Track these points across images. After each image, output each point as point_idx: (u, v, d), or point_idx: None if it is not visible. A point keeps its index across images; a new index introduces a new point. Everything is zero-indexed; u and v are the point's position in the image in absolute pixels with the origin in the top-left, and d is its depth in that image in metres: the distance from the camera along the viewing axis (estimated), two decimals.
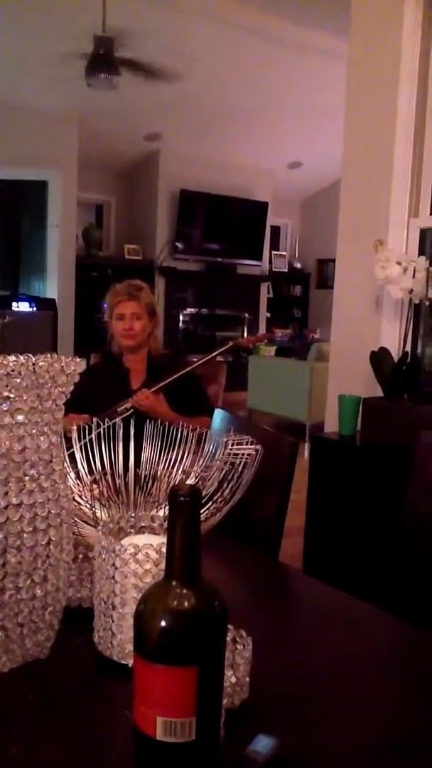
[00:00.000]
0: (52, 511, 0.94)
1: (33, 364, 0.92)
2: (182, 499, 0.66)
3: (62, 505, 0.96)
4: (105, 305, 2.62)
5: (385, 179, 2.98)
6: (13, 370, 0.90)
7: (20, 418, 0.92)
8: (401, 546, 1.67)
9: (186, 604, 0.66)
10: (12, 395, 0.90)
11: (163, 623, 0.66)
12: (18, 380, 0.90)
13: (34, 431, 0.93)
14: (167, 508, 0.69)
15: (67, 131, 7.07)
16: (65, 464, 1.24)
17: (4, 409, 0.91)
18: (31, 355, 0.94)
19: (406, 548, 1.66)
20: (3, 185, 7.29)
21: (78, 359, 0.98)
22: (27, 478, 0.92)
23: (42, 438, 0.94)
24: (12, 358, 0.92)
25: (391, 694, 0.96)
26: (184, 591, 0.67)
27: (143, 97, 6.42)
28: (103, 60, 5.01)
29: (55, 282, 7.35)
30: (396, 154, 2.94)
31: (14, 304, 6.65)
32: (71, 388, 0.97)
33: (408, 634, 1.14)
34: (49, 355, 0.96)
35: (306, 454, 2.87)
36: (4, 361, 0.90)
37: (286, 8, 5.42)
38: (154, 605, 0.67)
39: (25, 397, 0.92)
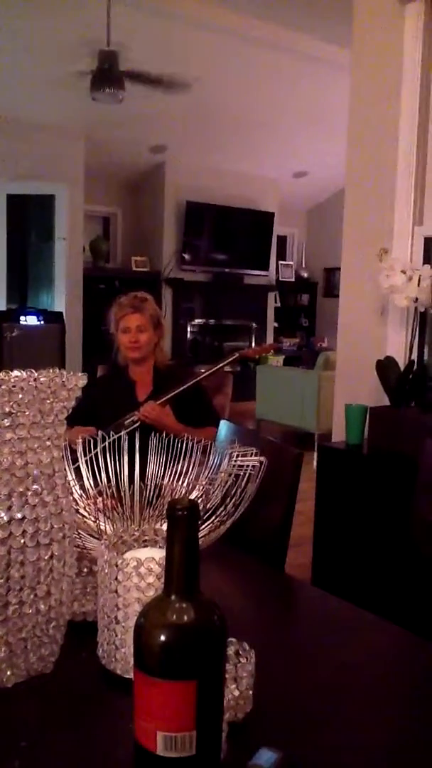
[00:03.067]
0: (55, 526, 0.95)
1: (35, 379, 0.93)
2: (180, 513, 0.67)
3: (65, 519, 0.97)
4: (110, 317, 2.63)
5: (388, 188, 2.98)
6: (14, 386, 0.90)
7: (22, 433, 0.92)
8: (408, 554, 1.67)
9: (185, 618, 0.67)
10: (14, 410, 0.91)
11: (162, 637, 0.66)
12: (20, 395, 0.91)
13: (36, 446, 0.94)
14: None
15: (73, 145, 7.13)
16: (68, 478, 1.25)
17: (6, 424, 0.91)
18: (33, 371, 0.95)
19: (413, 556, 1.65)
20: (10, 199, 7.34)
21: (80, 374, 0.98)
22: (29, 492, 0.93)
23: (44, 453, 0.95)
24: (14, 373, 0.93)
25: (398, 708, 0.96)
26: (183, 605, 0.67)
27: (148, 109, 6.46)
28: (108, 74, 5.04)
29: (63, 295, 7.38)
30: (399, 162, 2.95)
31: (22, 317, 6.68)
32: (73, 402, 0.97)
33: (415, 646, 1.13)
34: (50, 370, 0.96)
35: (314, 463, 2.86)
36: (6, 377, 0.91)
37: (289, 18, 5.46)
38: (152, 620, 0.67)
39: (27, 412, 0.92)
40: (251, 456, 1.38)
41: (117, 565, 0.95)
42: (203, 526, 1.26)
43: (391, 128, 2.96)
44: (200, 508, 1.22)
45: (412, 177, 2.92)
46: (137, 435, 1.47)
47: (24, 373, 0.93)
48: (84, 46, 5.20)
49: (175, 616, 0.67)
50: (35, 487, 0.93)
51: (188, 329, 8.63)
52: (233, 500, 1.29)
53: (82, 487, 1.36)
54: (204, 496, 1.35)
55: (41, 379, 0.93)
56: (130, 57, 5.17)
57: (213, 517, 1.28)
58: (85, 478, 1.38)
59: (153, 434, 1.52)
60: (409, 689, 1.02)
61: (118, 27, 5.01)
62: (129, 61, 5.16)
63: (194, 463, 1.46)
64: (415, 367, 2.80)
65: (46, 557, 0.94)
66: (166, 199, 8.20)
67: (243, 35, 5.71)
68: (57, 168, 7.06)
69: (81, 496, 1.34)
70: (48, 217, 7.49)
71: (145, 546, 1.08)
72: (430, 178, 2.94)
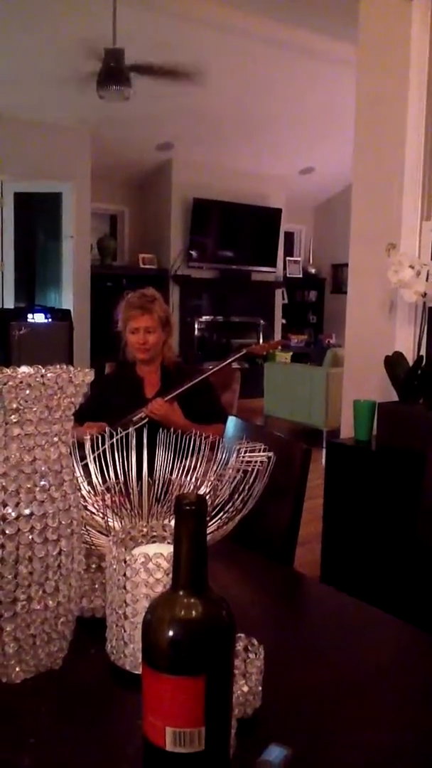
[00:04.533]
0: (63, 522, 0.95)
1: (42, 375, 0.92)
2: (188, 507, 0.66)
3: (73, 515, 0.97)
4: (118, 315, 2.63)
5: (396, 183, 2.97)
6: (21, 382, 0.90)
7: (30, 429, 0.92)
8: (417, 551, 1.66)
9: (193, 613, 0.66)
10: (21, 406, 0.91)
11: (170, 633, 0.66)
12: (27, 391, 0.91)
13: (43, 442, 0.94)
14: None
15: (80, 143, 7.14)
16: (76, 474, 1.25)
17: (14, 420, 0.91)
18: (40, 367, 0.95)
19: (421, 553, 1.65)
20: (18, 198, 7.36)
21: (86, 369, 0.98)
22: (37, 489, 0.93)
23: (52, 449, 0.95)
24: (21, 369, 0.93)
25: (406, 704, 0.95)
26: (191, 600, 0.67)
27: (155, 107, 6.46)
28: (114, 72, 5.04)
29: (71, 293, 7.40)
30: (407, 157, 2.93)
31: (30, 315, 6.70)
32: (80, 398, 0.97)
33: (424, 643, 1.12)
34: (57, 366, 0.96)
35: (323, 460, 2.86)
36: (13, 373, 0.90)
37: (296, 16, 5.44)
38: (161, 615, 0.67)
39: (34, 409, 0.92)
40: (259, 452, 1.37)
41: (125, 561, 0.95)
42: (211, 523, 1.26)
43: (399, 123, 2.95)
44: (208, 504, 1.22)
45: (420, 171, 2.90)
46: (145, 431, 1.47)
47: (31, 369, 0.93)
48: (90, 44, 5.19)
49: (183, 612, 0.66)
50: (43, 483, 0.93)
51: (196, 326, 8.63)
52: (241, 496, 1.29)
53: (90, 483, 1.36)
54: (212, 492, 1.35)
55: (48, 375, 0.92)
56: (136, 54, 5.16)
57: (221, 513, 1.28)
58: (93, 475, 1.38)
59: (161, 430, 1.52)
60: (418, 686, 1.01)
61: (124, 25, 5.01)
62: (135, 58, 5.15)
63: (202, 459, 1.45)
64: (424, 362, 2.78)
65: (54, 553, 0.94)
66: (173, 196, 8.20)
67: (249, 32, 5.70)
68: (64, 166, 7.07)
69: (89, 492, 1.34)
70: (55, 216, 7.50)
71: (154, 542, 1.08)
72: None
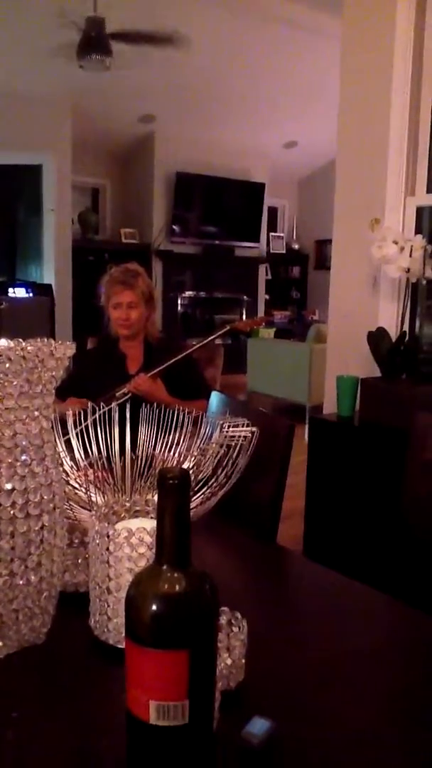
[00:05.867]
0: (45, 497, 0.94)
1: (22, 348, 0.91)
2: (171, 482, 0.66)
3: (55, 490, 0.96)
4: (102, 289, 2.60)
5: (380, 158, 2.95)
6: (1, 355, 0.88)
7: (10, 403, 0.91)
8: (399, 526, 1.68)
9: (176, 587, 0.66)
10: (1, 380, 0.89)
11: (153, 607, 0.65)
12: (7, 365, 0.89)
13: (24, 416, 0.93)
14: None
15: (60, 114, 7.01)
16: (58, 449, 1.24)
17: None
18: (20, 340, 0.93)
19: (403, 528, 1.66)
20: None
21: (68, 343, 0.97)
22: (18, 463, 0.91)
23: (33, 423, 0.94)
24: (1, 342, 0.91)
25: (387, 676, 0.96)
26: (175, 575, 0.66)
27: (137, 78, 6.35)
28: (95, 41, 4.94)
29: (52, 267, 7.31)
30: (391, 132, 2.91)
31: (11, 290, 6.62)
32: (62, 372, 0.96)
33: (405, 616, 1.13)
34: (38, 340, 0.95)
35: (306, 436, 2.87)
36: None
37: None
38: (144, 590, 0.67)
39: (14, 382, 0.91)
40: (243, 427, 1.37)
41: (108, 536, 0.95)
42: (194, 498, 1.26)
43: (383, 97, 2.92)
44: (191, 479, 1.22)
45: (404, 147, 2.89)
46: (128, 407, 1.46)
47: (11, 342, 0.92)
48: (70, 13, 5.08)
49: (166, 586, 0.66)
50: (24, 458, 0.92)
51: (179, 302, 8.59)
52: (224, 471, 1.28)
53: (73, 458, 1.35)
54: (195, 467, 1.34)
55: (29, 348, 0.91)
56: (116, 24, 5.06)
57: (204, 488, 1.28)
58: (75, 450, 1.37)
59: (144, 406, 1.51)
60: (398, 657, 1.02)
61: None
62: (116, 27, 5.06)
63: (185, 435, 1.45)
64: (407, 338, 2.79)
65: (36, 528, 0.93)
66: (156, 169, 8.10)
67: (233, 5, 5.60)
68: (44, 138, 6.95)
69: (72, 467, 1.33)
70: (36, 189, 7.39)
71: (136, 517, 1.08)
72: (423, 148, 2.91)
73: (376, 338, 2.78)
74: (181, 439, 1.45)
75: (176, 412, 1.49)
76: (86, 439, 1.38)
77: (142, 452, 1.44)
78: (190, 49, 5.76)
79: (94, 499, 1.24)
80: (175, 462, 1.41)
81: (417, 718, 0.86)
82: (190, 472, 1.32)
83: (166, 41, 5.36)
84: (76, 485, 1.28)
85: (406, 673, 0.97)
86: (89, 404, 1.43)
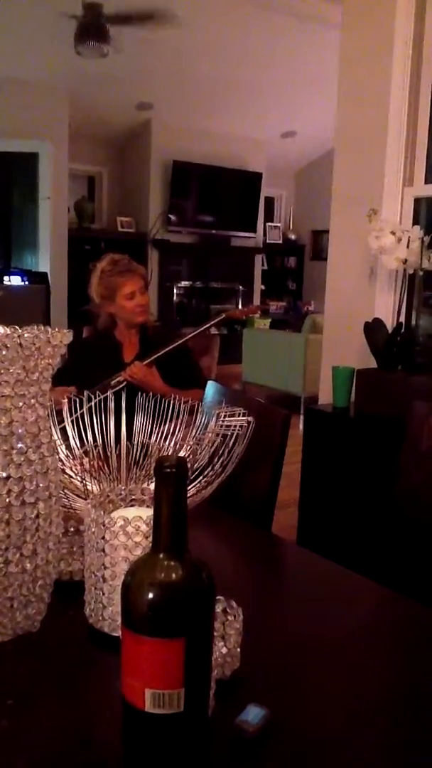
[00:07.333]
0: (41, 485, 0.93)
1: (18, 336, 0.90)
2: (168, 470, 0.66)
3: (51, 478, 0.95)
4: (102, 286, 2.55)
5: (379, 148, 2.94)
6: None
7: (6, 390, 0.90)
8: (393, 517, 1.68)
9: (173, 576, 0.66)
10: None
11: (150, 595, 0.65)
12: (3, 352, 0.88)
13: (20, 404, 0.92)
14: None
15: (57, 101, 6.96)
16: (54, 437, 1.23)
17: None
18: (17, 327, 0.93)
19: (398, 519, 1.66)
20: None
21: (65, 330, 0.96)
22: (14, 451, 0.91)
23: (29, 411, 0.93)
24: None
25: (381, 663, 0.96)
26: (171, 563, 0.66)
27: (134, 65, 6.31)
28: (93, 27, 4.91)
29: (48, 255, 7.28)
30: (390, 122, 2.90)
31: (6, 278, 6.60)
32: (58, 359, 0.95)
33: (398, 604, 1.14)
34: (35, 327, 0.94)
35: (301, 426, 2.87)
36: None
37: None
38: (140, 578, 0.66)
39: (11, 370, 0.90)
40: (239, 416, 1.37)
41: (104, 524, 0.94)
42: (190, 487, 1.26)
43: (382, 87, 2.90)
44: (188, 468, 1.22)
45: (403, 137, 2.88)
46: (123, 395, 1.45)
47: (7, 330, 0.91)
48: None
49: (163, 574, 0.66)
50: (20, 445, 0.92)
51: (175, 291, 8.57)
52: (220, 460, 1.28)
53: (69, 447, 1.35)
54: (191, 456, 1.34)
55: (25, 336, 0.90)
56: (114, 8, 5.02)
57: (200, 477, 1.28)
58: (71, 439, 1.36)
59: (139, 394, 1.51)
60: (393, 645, 1.02)
61: None
62: (113, 11, 5.02)
63: (181, 424, 1.44)
64: (403, 329, 2.79)
65: (32, 516, 0.92)
66: (153, 158, 8.06)
67: None
68: (40, 125, 6.91)
69: (67, 456, 1.33)
70: (32, 177, 7.35)
71: (132, 506, 1.07)
72: (421, 138, 2.90)
73: (373, 329, 2.77)
74: (177, 429, 1.44)
75: (172, 401, 1.48)
76: (81, 428, 1.37)
77: (138, 441, 1.44)
78: (189, 36, 5.73)
79: (89, 487, 1.23)
80: (170, 451, 1.41)
81: (412, 705, 0.86)
82: (186, 461, 1.31)
83: (165, 20, 5.29)
84: (72, 474, 1.28)
85: (401, 661, 0.98)
86: (85, 393, 1.43)
